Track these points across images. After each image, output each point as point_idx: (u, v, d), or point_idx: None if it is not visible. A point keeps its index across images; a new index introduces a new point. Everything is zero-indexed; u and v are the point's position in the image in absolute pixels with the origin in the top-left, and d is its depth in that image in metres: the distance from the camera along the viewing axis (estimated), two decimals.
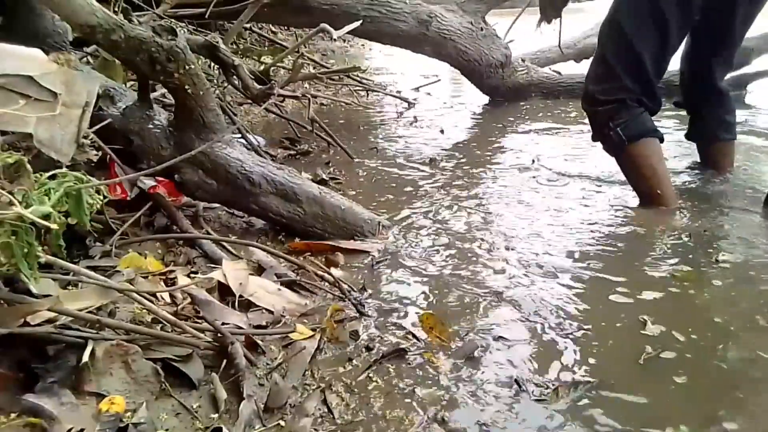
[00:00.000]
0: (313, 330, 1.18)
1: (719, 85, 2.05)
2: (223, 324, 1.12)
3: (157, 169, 1.36)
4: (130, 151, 1.50)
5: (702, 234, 1.63)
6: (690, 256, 1.52)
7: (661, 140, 1.87)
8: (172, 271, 1.33)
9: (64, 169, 0.96)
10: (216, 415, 0.94)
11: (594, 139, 1.95)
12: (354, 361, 1.11)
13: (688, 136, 2.20)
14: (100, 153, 1.34)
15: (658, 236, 1.65)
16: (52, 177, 0.93)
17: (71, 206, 0.95)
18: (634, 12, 1.78)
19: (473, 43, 3.36)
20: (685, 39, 1.93)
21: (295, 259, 1.44)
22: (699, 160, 2.22)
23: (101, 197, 1.02)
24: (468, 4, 3.42)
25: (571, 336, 1.19)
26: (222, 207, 1.74)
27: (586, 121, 1.96)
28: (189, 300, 1.21)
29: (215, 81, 2.77)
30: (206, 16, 2.81)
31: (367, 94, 3.76)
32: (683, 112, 2.24)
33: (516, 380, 1.05)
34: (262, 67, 2.66)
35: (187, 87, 1.40)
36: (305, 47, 4.35)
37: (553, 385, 1.03)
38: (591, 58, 1.96)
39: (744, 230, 1.66)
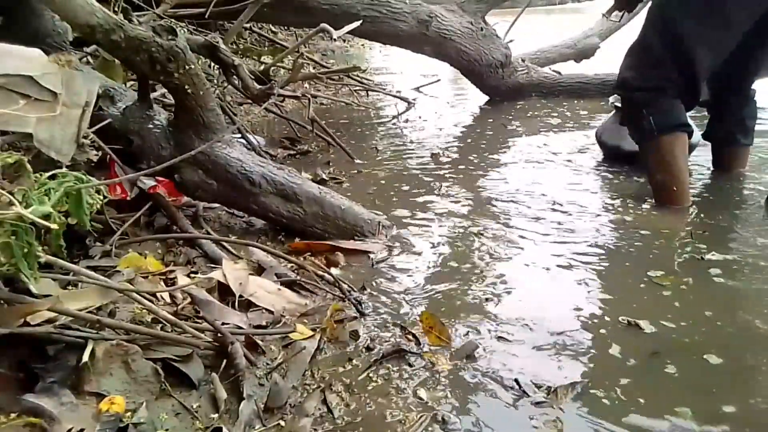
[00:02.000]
0: (313, 330, 1.18)
1: (748, 90, 2.03)
2: (223, 324, 1.12)
3: (157, 169, 1.36)
4: (130, 151, 1.50)
5: (703, 234, 1.63)
6: (690, 255, 1.52)
7: (690, 137, 1.85)
8: (172, 271, 1.33)
9: (64, 169, 0.96)
10: (216, 415, 0.94)
11: (622, 123, 1.95)
12: (354, 361, 1.11)
13: (705, 136, 2.18)
14: (100, 153, 1.34)
15: (661, 236, 1.65)
16: (52, 177, 0.93)
17: (71, 206, 0.95)
18: (692, 11, 1.73)
19: (473, 43, 3.36)
20: None
21: (295, 259, 1.44)
22: (711, 160, 2.19)
23: (101, 197, 1.02)
24: (468, 4, 3.42)
25: (571, 336, 1.19)
26: (222, 207, 1.74)
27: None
28: (189, 300, 1.21)
29: (215, 81, 2.77)
30: (206, 16, 2.81)
31: (367, 94, 3.76)
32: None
33: (516, 380, 1.05)
34: (262, 67, 2.67)
35: (187, 87, 1.40)
36: (305, 47, 4.36)
37: (553, 385, 1.03)
38: (630, 45, 1.90)
39: (747, 231, 1.66)
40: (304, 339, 1.14)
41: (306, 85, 3.55)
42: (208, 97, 1.47)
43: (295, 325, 1.19)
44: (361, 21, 2.41)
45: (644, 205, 1.87)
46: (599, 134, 2.41)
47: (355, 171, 2.31)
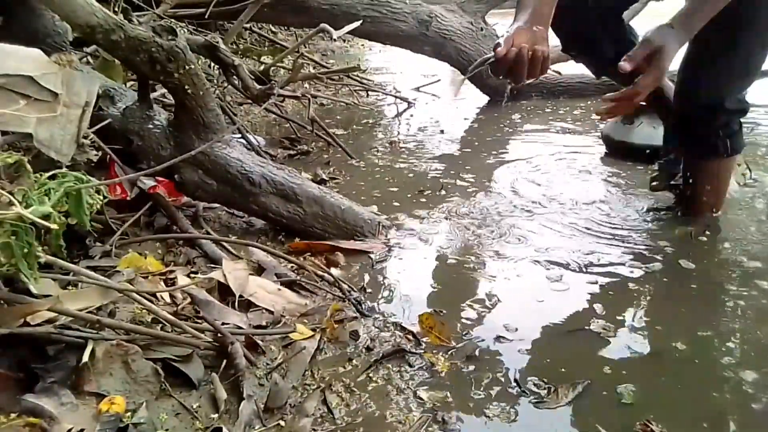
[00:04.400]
0: (313, 330, 1.18)
1: None
2: (223, 324, 1.12)
3: (157, 169, 1.36)
4: (130, 151, 1.50)
5: (703, 233, 1.63)
6: (690, 255, 1.52)
7: None
8: (172, 271, 1.33)
9: (64, 169, 0.96)
10: (216, 415, 0.94)
11: (676, 131, 1.74)
12: (354, 361, 1.11)
13: None
14: (100, 153, 1.34)
15: (661, 235, 1.65)
16: (52, 177, 0.93)
17: (71, 206, 0.95)
18: None
19: (473, 43, 3.36)
20: None
21: (295, 259, 1.44)
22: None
23: (101, 197, 1.02)
24: (468, 4, 3.42)
25: (572, 336, 1.19)
26: (222, 207, 1.74)
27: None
28: (189, 300, 1.21)
29: (215, 81, 2.77)
30: (206, 16, 2.81)
31: (367, 94, 3.76)
32: None
33: (516, 380, 1.05)
34: (262, 67, 2.67)
35: (187, 87, 1.40)
36: (305, 47, 4.36)
37: (553, 385, 1.03)
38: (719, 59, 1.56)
39: (745, 229, 1.66)
40: (304, 339, 1.14)
41: (306, 85, 3.54)
42: (208, 97, 1.47)
43: (295, 325, 1.19)
44: (361, 21, 2.41)
45: (648, 204, 1.86)
46: (604, 131, 2.42)
47: (355, 171, 2.31)
